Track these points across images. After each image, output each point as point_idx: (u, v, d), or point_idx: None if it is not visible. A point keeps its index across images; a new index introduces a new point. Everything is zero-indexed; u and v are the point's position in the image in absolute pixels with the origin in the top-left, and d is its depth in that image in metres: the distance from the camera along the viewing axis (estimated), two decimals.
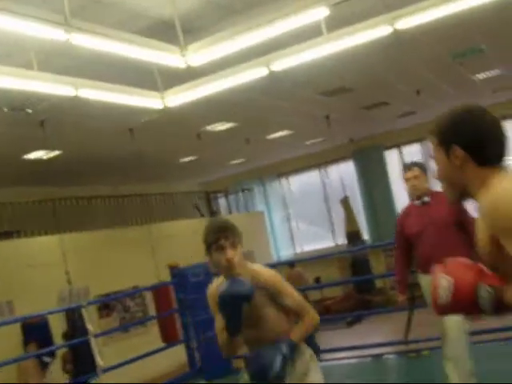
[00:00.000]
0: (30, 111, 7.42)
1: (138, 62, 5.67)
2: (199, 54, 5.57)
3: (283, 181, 17.37)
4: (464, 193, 2.25)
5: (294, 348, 3.37)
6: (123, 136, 9.20)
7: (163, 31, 5.69)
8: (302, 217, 17.36)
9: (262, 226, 16.39)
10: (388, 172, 15.58)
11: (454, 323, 5.25)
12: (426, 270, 5.58)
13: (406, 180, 5.72)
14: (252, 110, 9.93)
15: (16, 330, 8.70)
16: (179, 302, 8.95)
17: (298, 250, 17.04)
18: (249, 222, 14.31)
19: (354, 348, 8.47)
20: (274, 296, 3.43)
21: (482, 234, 2.14)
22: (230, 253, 3.35)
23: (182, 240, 12.22)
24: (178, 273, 9.05)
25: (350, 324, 12.52)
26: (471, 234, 5.21)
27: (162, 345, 9.23)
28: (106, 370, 7.37)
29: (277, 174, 17.19)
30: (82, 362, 7.74)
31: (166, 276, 10.35)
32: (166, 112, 7.85)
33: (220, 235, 3.37)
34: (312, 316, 3.48)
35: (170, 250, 11.49)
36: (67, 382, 8.67)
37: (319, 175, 16.79)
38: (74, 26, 4.49)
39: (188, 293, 8.69)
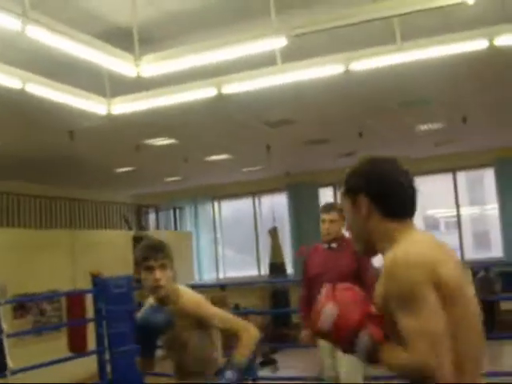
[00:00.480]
0: None
1: (90, 64, 5.61)
2: (152, 66, 5.55)
3: (216, 204, 17.33)
4: (370, 245, 2.22)
5: (243, 368, 3.26)
6: (63, 137, 9.03)
7: (118, 38, 5.64)
8: (229, 243, 17.32)
9: (188, 247, 16.25)
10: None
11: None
12: None
13: (322, 221, 5.77)
14: (195, 129, 9.91)
15: None
16: (97, 311, 8.79)
17: (222, 275, 16.99)
18: (176, 240, 14.14)
19: (268, 379, 8.46)
20: (200, 321, 3.39)
21: (379, 290, 2.10)
22: (157, 273, 3.32)
23: (106, 250, 12.04)
24: (100, 282, 8.89)
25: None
26: (364, 282, 5.29)
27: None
28: (15, 372, 7.21)
29: (211, 197, 17.12)
30: None
31: (83, 284, 10.15)
32: (109, 119, 7.76)
33: (150, 254, 3.34)
34: (249, 332, 3.43)
35: (92, 259, 11.27)
36: None
37: (252, 203, 16.83)
38: (31, 18, 4.42)
39: (108, 303, 8.56)
